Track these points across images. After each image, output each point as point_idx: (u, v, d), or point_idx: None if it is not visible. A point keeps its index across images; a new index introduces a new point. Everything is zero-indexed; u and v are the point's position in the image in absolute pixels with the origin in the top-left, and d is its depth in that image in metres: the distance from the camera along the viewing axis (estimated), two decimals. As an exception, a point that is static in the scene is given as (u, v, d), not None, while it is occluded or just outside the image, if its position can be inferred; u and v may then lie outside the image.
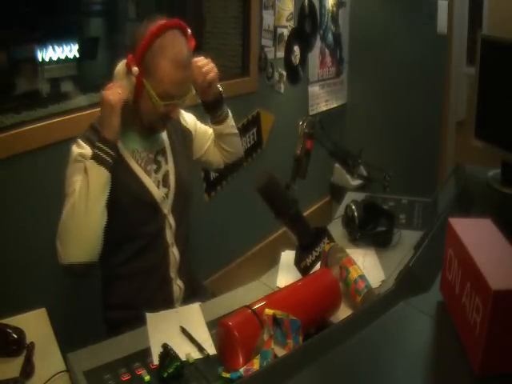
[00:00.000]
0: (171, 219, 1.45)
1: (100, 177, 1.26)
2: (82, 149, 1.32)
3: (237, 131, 1.62)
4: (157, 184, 1.42)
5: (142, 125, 1.39)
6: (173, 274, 1.47)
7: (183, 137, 1.54)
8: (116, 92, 1.30)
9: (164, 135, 1.48)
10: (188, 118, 1.59)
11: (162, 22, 1.32)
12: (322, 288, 1.21)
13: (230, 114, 1.57)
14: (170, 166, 1.46)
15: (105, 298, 1.50)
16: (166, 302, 1.43)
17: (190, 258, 1.56)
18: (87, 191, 1.25)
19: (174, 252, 1.47)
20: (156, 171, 1.43)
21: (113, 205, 1.30)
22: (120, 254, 1.41)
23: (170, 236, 1.45)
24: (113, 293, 1.47)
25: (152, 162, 1.43)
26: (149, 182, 1.40)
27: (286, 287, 1.23)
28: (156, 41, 1.27)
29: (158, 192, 1.41)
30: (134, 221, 1.39)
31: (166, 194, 1.43)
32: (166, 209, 1.44)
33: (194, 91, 1.39)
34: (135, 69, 1.27)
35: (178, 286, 1.48)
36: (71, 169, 1.32)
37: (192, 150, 1.59)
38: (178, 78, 1.29)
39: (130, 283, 1.44)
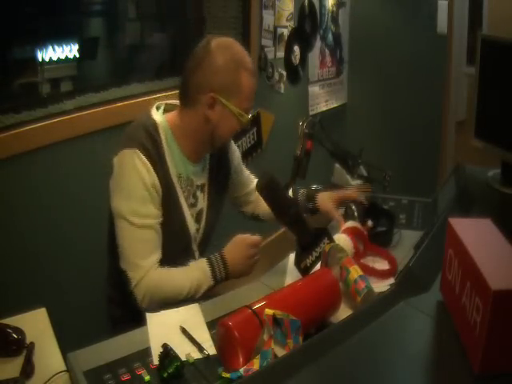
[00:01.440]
0: (197, 255, 1.47)
1: (205, 287, 1.32)
2: (149, 173, 1.27)
3: None
4: (192, 217, 1.42)
5: (195, 147, 1.38)
6: None
7: (224, 171, 1.54)
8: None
9: (206, 169, 1.47)
10: (234, 150, 1.59)
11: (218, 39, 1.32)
12: (322, 288, 1.21)
13: None
14: (205, 204, 1.46)
15: (109, 293, 1.50)
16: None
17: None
18: (194, 293, 1.31)
19: (196, 257, 1.48)
20: (193, 205, 1.43)
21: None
22: None
23: (193, 243, 1.46)
24: (119, 288, 1.46)
25: (191, 195, 1.42)
26: (188, 216, 1.40)
27: (286, 287, 1.23)
28: (224, 56, 1.28)
29: (192, 225, 1.42)
30: (167, 246, 1.36)
31: (197, 230, 1.45)
32: (195, 245, 1.45)
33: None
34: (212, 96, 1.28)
35: None
36: (139, 194, 1.27)
37: (227, 186, 1.58)
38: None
39: None
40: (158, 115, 1.37)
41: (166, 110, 1.40)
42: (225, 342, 1.06)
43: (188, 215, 1.40)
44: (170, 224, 1.35)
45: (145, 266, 1.29)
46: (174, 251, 1.38)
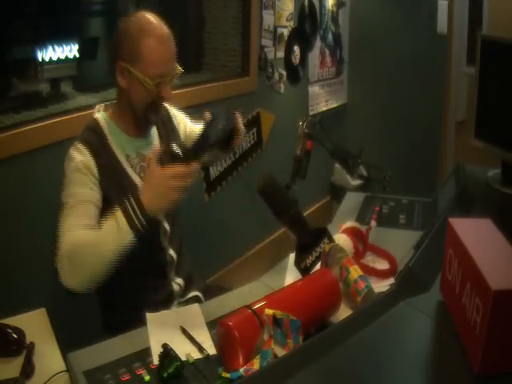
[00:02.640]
0: (166, 225, 1.46)
1: (126, 238, 1.17)
2: (83, 156, 1.31)
3: None
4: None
5: (135, 121, 1.39)
6: (172, 274, 1.48)
7: (174, 139, 1.53)
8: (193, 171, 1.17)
9: (156, 140, 1.48)
10: (178, 115, 1.61)
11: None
12: (322, 288, 1.21)
13: None
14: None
15: (101, 302, 1.50)
16: (166, 300, 1.44)
17: (187, 256, 1.56)
18: (112, 245, 1.17)
19: (171, 253, 1.47)
20: None
21: (109, 207, 1.27)
22: None
23: (164, 240, 1.46)
24: (110, 296, 1.47)
25: (145, 169, 1.41)
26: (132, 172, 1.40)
27: (286, 287, 1.23)
28: (132, 25, 1.33)
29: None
30: None
31: None
32: (162, 216, 1.43)
33: (179, 68, 1.39)
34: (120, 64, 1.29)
35: (177, 284, 1.49)
36: (71, 177, 1.29)
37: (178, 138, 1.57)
38: (164, 53, 1.31)
39: (128, 283, 1.43)
40: (97, 114, 1.42)
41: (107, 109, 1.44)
42: (225, 341, 1.06)
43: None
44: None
45: (69, 235, 1.21)
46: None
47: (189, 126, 1.62)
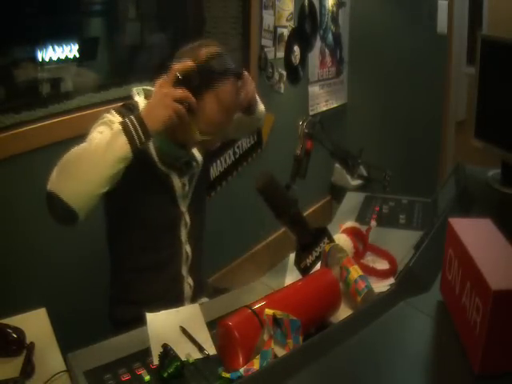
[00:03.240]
0: (187, 217, 1.45)
1: (121, 150, 1.13)
2: (114, 117, 1.27)
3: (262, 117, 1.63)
4: (179, 175, 1.41)
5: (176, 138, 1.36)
6: (184, 271, 1.47)
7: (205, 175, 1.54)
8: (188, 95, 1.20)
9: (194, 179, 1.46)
10: None
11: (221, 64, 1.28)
12: (322, 288, 1.21)
13: (260, 107, 1.57)
14: (196, 166, 1.46)
15: (112, 292, 1.49)
16: (176, 300, 1.43)
17: (201, 256, 1.56)
18: (105, 150, 1.12)
19: (187, 249, 1.47)
20: (181, 176, 1.42)
21: (133, 184, 1.26)
22: (131, 241, 1.39)
23: (184, 233, 1.45)
24: (122, 287, 1.47)
25: (176, 166, 1.41)
26: (174, 177, 1.39)
27: (286, 287, 1.23)
28: (203, 64, 1.24)
29: (178, 183, 1.40)
30: (150, 206, 1.36)
31: (187, 191, 1.43)
32: (184, 207, 1.43)
33: (232, 121, 1.37)
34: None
35: (188, 284, 1.49)
36: (97, 125, 1.26)
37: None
38: (221, 120, 1.29)
39: (140, 277, 1.43)
40: (137, 96, 1.39)
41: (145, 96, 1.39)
42: (225, 341, 1.06)
43: (174, 176, 1.38)
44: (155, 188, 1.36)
45: None
46: (160, 204, 1.38)
47: None
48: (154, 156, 1.35)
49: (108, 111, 1.31)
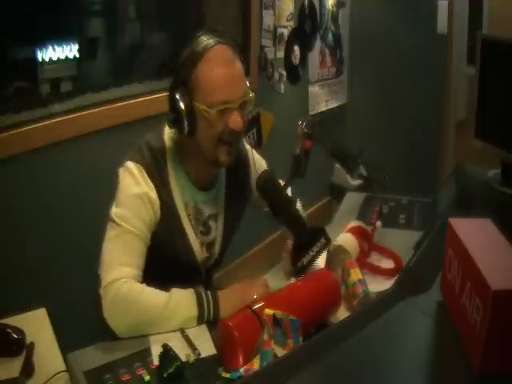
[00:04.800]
0: (204, 275, 1.45)
1: (187, 324, 1.17)
2: (149, 188, 1.24)
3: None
4: (201, 246, 1.39)
5: (201, 169, 1.32)
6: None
7: (242, 199, 1.47)
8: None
9: (222, 197, 1.41)
10: (258, 165, 1.48)
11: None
12: (322, 288, 1.21)
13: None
14: (219, 234, 1.42)
15: None
16: None
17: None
18: (172, 318, 1.16)
19: (204, 275, 1.46)
20: (204, 234, 1.39)
21: (154, 249, 1.27)
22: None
23: (199, 284, 1.42)
24: None
25: (201, 224, 1.38)
26: (196, 244, 1.36)
27: (286, 287, 1.23)
28: (189, 51, 1.22)
29: (201, 255, 1.39)
30: (170, 270, 1.32)
31: (208, 258, 1.42)
32: (204, 269, 1.43)
33: (250, 93, 1.26)
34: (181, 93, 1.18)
35: None
36: (132, 202, 1.22)
37: (246, 205, 1.51)
38: (221, 77, 1.18)
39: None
40: (167, 137, 1.32)
41: None
42: (225, 341, 1.06)
43: (196, 244, 1.36)
44: (176, 248, 1.33)
45: (120, 271, 1.18)
46: (179, 273, 1.32)
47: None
48: (179, 210, 1.32)
49: (135, 164, 1.25)
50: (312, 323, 1.13)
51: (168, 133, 1.32)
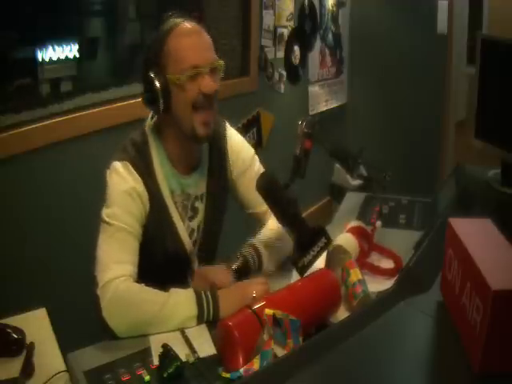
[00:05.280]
0: (195, 263, 1.45)
1: (186, 324, 1.17)
2: (136, 182, 1.26)
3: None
4: (189, 232, 1.40)
5: (183, 152, 1.33)
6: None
7: (223, 179, 1.46)
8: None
9: (205, 178, 1.42)
10: (235, 143, 1.48)
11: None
12: (322, 288, 1.21)
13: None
14: (203, 215, 1.43)
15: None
16: None
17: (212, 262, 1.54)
18: (171, 318, 1.16)
19: (195, 265, 1.46)
20: (191, 218, 1.41)
21: (145, 242, 1.28)
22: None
23: (192, 271, 1.43)
24: None
25: (188, 209, 1.39)
26: (183, 232, 1.38)
27: (286, 287, 1.23)
28: (158, 32, 1.26)
29: (188, 241, 1.39)
30: (160, 260, 1.35)
31: (195, 242, 1.43)
32: (192, 255, 1.43)
33: (221, 61, 1.29)
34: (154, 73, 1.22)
35: None
36: (121, 199, 1.24)
37: (227, 189, 1.50)
38: (189, 44, 1.23)
39: None
40: (148, 127, 1.35)
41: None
42: (225, 341, 1.06)
43: (182, 231, 1.38)
44: (164, 241, 1.34)
45: (116, 270, 1.18)
46: (169, 262, 1.36)
47: (239, 171, 1.48)
48: (166, 199, 1.33)
49: (121, 161, 1.27)
50: (312, 323, 1.13)
51: (149, 124, 1.35)
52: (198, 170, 1.41)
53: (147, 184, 1.29)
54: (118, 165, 1.28)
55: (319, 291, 1.20)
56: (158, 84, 1.22)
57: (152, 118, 1.36)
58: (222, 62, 1.29)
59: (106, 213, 1.25)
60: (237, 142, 1.50)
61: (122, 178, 1.26)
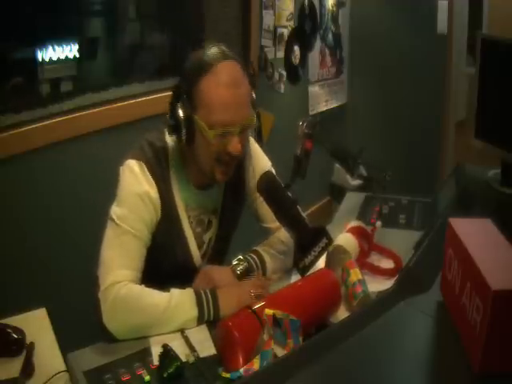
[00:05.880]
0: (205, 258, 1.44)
1: (187, 325, 1.16)
2: (150, 187, 1.22)
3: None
4: (200, 245, 1.39)
5: (200, 174, 1.30)
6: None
7: (240, 195, 1.44)
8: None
9: (221, 191, 1.40)
10: (258, 165, 1.44)
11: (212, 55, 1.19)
12: (322, 288, 1.21)
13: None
14: (215, 230, 1.41)
15: None
16: None
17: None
18: (171, 319, 1.15)
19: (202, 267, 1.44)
20: (204, 232, 1.40)
21: (152, 250, 1.26)
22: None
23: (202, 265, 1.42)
24: None
25: (203, 223, 1.38)
26: (193, 248, 1.36)
27: (286, 287, 1.23)
28: (196, 61, 1.18)
29: (198, 256, 1.38)
30: (166, 267, 1.33)
31: (204, 254, 1.42)
32: (200, 266, 1.40)
33: (253, 117, 1.23)
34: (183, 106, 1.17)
35: None
36: (133, 201, 1.21)
37: (243, 205, 1.49)
38: (225, 98, 1.14)
39: None
40: (169, 139, 1.30)
41: None
42: (225, 341, 1.06)
43: (193, 246, 1.36)
44: (174, 251, 1.33)
45: (119, 275, 1.17)
46: (177, 273, 1.32)
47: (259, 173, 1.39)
48: (180, 213, 1.31)
49: (137, 162, 1.23)
50: (312, 323, 1.13)
51: (168, 136, 1.31)
52: (215, 186, 1.38)
53: (161, 191, 1.25)
54: (133, 163, 1.24)
55: (319, 291, 1.20)
56: (183, 120, 1.17)
57: None
58: (254, 120, 1.23)
59: (115, 212, 1.22)
60: (256, 153, 1.48)
61: (135, 179, 1.23)
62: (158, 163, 1.26)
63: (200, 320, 1.17)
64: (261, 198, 1.39)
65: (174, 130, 1.20)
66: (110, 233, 1.22)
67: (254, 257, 1.37)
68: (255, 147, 1.49)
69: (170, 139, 1.31)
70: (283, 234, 1.40)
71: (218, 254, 1.47)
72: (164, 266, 1.32)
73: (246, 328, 1.04)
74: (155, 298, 1.17)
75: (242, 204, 1.49)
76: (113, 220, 1.22)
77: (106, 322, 1.14)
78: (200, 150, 1.22)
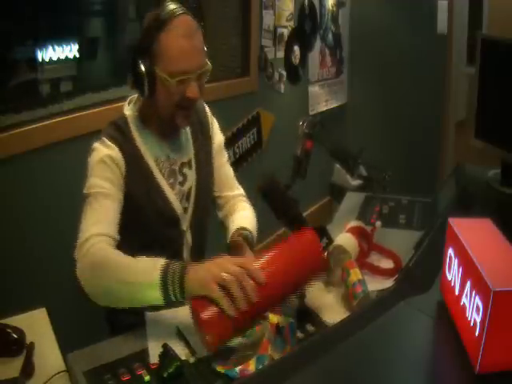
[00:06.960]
0: (189, 236, 1.45)
1: (153, 299, 1.10)
2: (110, 149, 1.29)
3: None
4: (180, 197, 1.40)
5: (164, 124, 1.35)
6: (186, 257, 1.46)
7: (207, 147, 1.49)
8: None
9: (190, 144, 1.44)
10: (215, 133, 1.54)
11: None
12: (299, 250, 1.14)
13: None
14: (193, 179, 1.44)
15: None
16: None
17: (204, 243, 1.56)
18: (138, 292, 1.11)
19: (188, 238, 1.46)
20: (182, 183, 1.41)
21: (132, 210, 1.29)
22: (130, 238, 1.27)
23: (186, 252, 1.44)
24: None
25: (177, 173, 1.40)
26: (171, 196, 1.38)
27: (260, 256, 1.13)
28: (152, 18, 1.24)
29: (179, 206, 1.39)
30: (152, 230, 1.36)
31: (186, 209, 1.42)
32: (185, 225, 1.42)
33: (209, 64, 1.31)
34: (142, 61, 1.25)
35: None
36: (95, 168, 1.27)
37: (212, 162, 1.52)
38: (183, 48, 1.23)
39: None
40: (128, 110, 1.39)
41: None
42: (195, 323, 1.04)
43: (171, 195, 1.38)
44: (154, 207, 1.34)
45: (93, 231, 1.19)
46: (162, 234, 1.37)
47: (218, 145, 1.55)
48: (151, 166, 1.35)
49: (98, 140, 1.31)
50: (293, 289, 1.10)
51: (127, 108, 1.39)
52: (181, 137, 1.43)
53: (124, 150, 1.30)
54: (95, 145, 1.31)
55: (297, 253, 1.13)
56: (145, 74, 1.26)
57: (129, 103, 1.41)
58: (209, 67, 1.31)
59: (85, 187, 1.28)
60: (215, 122, 1.55)
61: (97, 152, 1.29)
62: (118, 130, 1.33)
63: (163, 288, 1.08)
64: (221, 162, 1.53)
65: (137, 84, 1.28)
66: (84, 206, 1.27)
67: (245, 231, 1.43)
68: (213, 120, 1.56)
69: (127, 109, 1.39)
70: (240, 202, 1.53)
71: (203, 210, 1.47)
72: (147, 219, 1.34)
73: (213, 307, 0.99)
74: (123, 256, 1.16)
75: (211, 155, 1.52)
76: (85, 196, 1.27)
77: (80, 279, 1.17)
78: (161, 98, 1.29)
